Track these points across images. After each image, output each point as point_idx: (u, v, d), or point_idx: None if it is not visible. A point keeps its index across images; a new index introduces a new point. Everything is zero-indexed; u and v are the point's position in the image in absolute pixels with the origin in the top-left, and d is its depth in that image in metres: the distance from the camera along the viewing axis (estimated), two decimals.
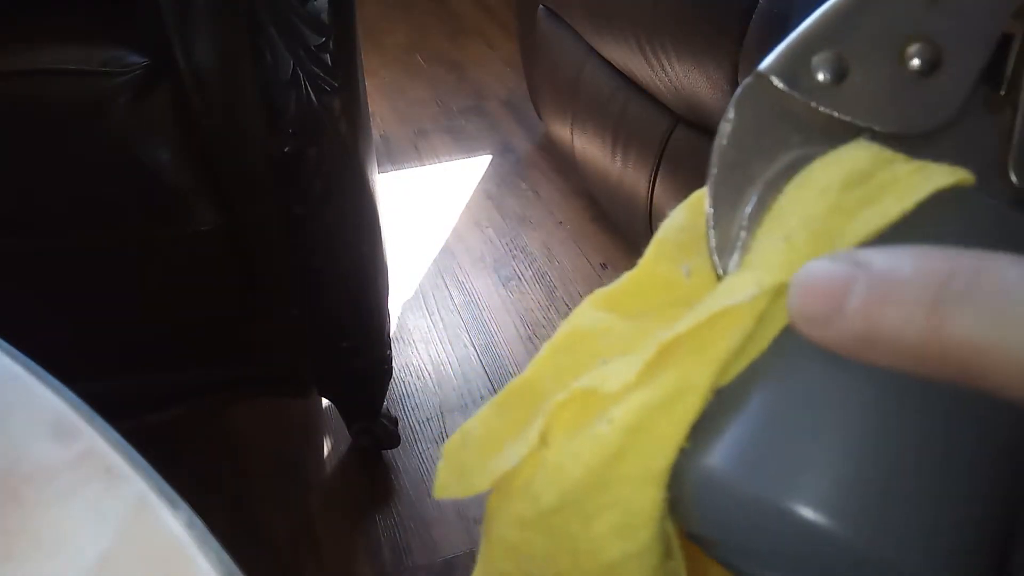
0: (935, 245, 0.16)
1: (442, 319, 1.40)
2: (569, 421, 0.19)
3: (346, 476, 1.15)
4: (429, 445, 1.18)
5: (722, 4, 1.03)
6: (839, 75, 0.20)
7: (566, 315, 0.22)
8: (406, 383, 1.28)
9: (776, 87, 0.20)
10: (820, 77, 0.20)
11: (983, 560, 0.17)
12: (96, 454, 0.27)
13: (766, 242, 0.19)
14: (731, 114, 0.20)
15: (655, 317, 0.21)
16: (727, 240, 0.19)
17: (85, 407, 0.29)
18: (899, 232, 0.18)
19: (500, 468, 0.20)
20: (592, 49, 1.42)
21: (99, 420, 0.28)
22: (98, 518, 0.26)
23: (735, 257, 0.19)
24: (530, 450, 0.20)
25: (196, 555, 0.24)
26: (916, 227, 0.18)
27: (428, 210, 1.68)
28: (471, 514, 1.09)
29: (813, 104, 0.20)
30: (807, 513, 0.16)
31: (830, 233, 0.18)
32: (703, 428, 0.18)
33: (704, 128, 1.16)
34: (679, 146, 1.21)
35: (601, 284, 0.21)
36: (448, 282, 1.48)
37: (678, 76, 1.13)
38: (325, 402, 1.20)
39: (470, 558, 1.03)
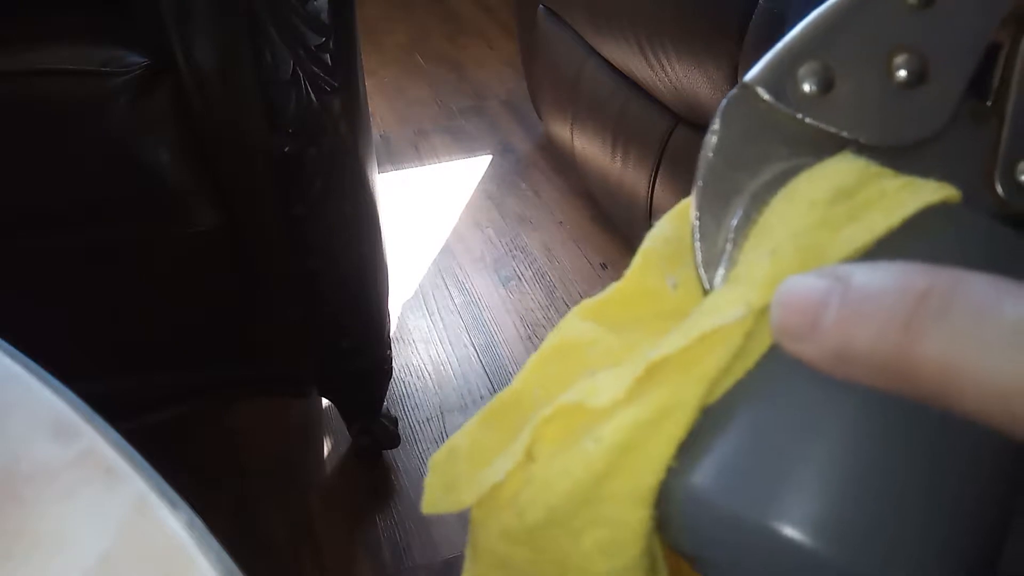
0: (917, 262, 0.16)
1: (442, 319, 1.40)
2: (556, 436, 0.19)
3: (346, 476, 1.15)
4: (429, 445, 1.18)
5: (722, 4, 1.03)
6: (825, 86, 0.19)
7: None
8: (406, 383, 1.28)
9: (762, 98, 0.20)
10: (806, 88, 0.19)
11: None
12: (96, 454, 0.27)
13: (752, 256, 0.19)
14: (717, 125, 0.20)
15: (642, 329, 0.21)
16: (713, 253, 0.19)
17: (85, 407, 0.29)
18: (885, 248, 0.18)
19: (487, 482, 0.20)
20: (592, 49, 1.42)
21: (99, 420, 0.28)
22: (98, 518, 0.26)
23: (721, 270, 0.19)
24: (516, 464, 0.19)
25: (196, 555, 0.24)
26: (902, 244, 0.18)
27: (428, 210, 1.68)
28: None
29: (799, 115, 0.19)
30: (791, 533, 0.16)
31: (816, 248, 0.18)
32: (690, 447, 0.18)
33: (704, 128, 1.15)
34: (679, 146, 1.21)
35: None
36: (448, 282, 1.48)
37: (678, 76, 1.13)
38: (325, 402, 1.20)
39: None
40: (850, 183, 0.19)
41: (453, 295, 1.45)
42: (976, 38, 0.20)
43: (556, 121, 1.62)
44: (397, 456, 1.16)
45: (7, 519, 0.26)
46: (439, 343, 1.35)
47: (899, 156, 0.19)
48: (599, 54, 1.40)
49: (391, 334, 1.10)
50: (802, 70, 0.20)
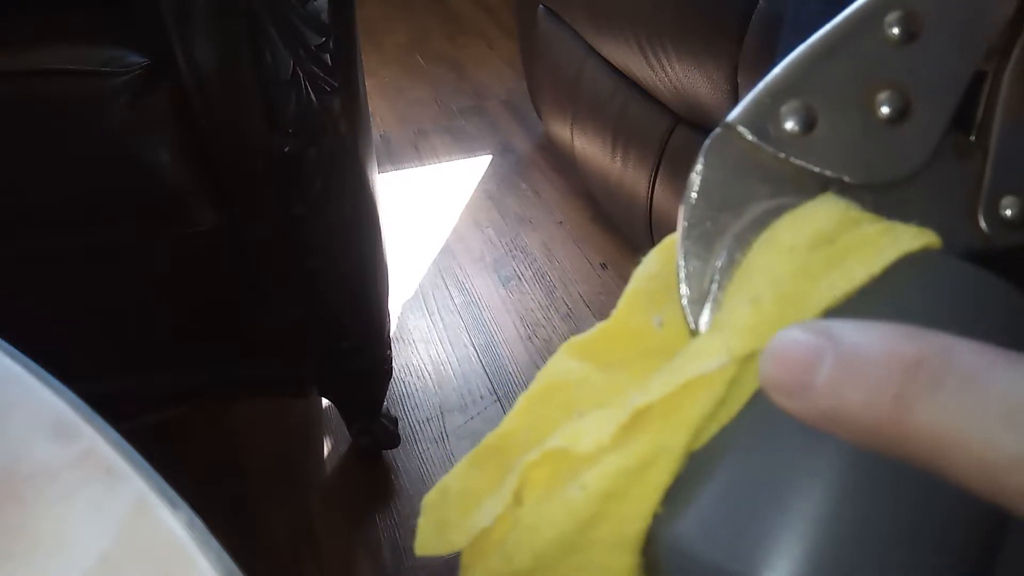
0: (904, 321, 0.16)
1: (442, 319, 1.40)
2: (543, 480, 0.19)
3: (346, 476, 1.15)
4: (429, 445, 1.18)
5: (722, 4, 1.03)
6: (808, 125, 0.19)
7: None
8: (406, 383, 1.28)
9: (745, 137, 0.19)
10: (788, 127, 0.19)
11: None
12: (96, 454, 0.27)
13: (734, 302, 0.19)
14: (700, 165, 0.20)
15: (629, 367, 0.21)
16: (698, 294, 0.19)
17: (85, 407, 0.29)
18: (866, 298, 0.18)
19: (477, 525, 0.20)
20: (592, 49, 1.42)
21: (99, 420, 0.28)
22: (98, 518, 0.26)
23: (707, 311, 0.19)
24: (504, 508, 0.20)
25: (196, 555, 0.24)
26: (882, 294, 0.18)
27: (428, 210, 1.68)
28: None
29: (782, 155, 0.19)
30: None
31: (797, 296, 0.18)
32: (676, 494, 0.18)
33: (704, 128, 1.16)
34: (679, 146, 1.21)
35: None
36: (448, 282, 1.48)
37: (678, 76, 1.13)
38: (325, 402, 1.20)
39: None
40: (830, 228, 0.19)
41: (453, 295, 1.45)
42: (960, 71, 0.20)
43: (556, 121, 1.62)
44: (397, 456, 1.16)
45: (7, 519, 0.26)
46: (439, 343, 1.35)
47: (883, 193, 0.19)
48: (599, 54, 1.40)
49: (391, 334, 1.10)
50: (784, 108, 0.19)
